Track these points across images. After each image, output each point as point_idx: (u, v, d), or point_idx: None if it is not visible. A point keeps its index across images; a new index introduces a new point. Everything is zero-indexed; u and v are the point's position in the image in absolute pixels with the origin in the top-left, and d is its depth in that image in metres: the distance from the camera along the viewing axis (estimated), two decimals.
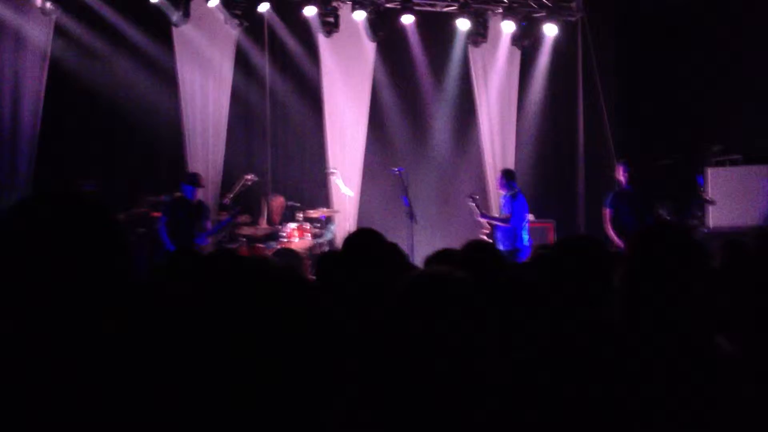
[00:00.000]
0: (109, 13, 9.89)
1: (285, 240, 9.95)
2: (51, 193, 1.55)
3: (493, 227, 9.37)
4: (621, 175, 8.80)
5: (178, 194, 8.90)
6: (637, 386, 2.04)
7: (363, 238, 3.45)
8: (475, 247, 3.91)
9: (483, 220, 9.47)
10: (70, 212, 1.50)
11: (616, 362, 2.38)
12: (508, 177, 9.52)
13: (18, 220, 1.49)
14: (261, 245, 9.86)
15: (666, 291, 2.55)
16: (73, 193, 1.56)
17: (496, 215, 9.71)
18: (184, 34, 10.42)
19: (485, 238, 9.12)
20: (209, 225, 8.89)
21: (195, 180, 8.90)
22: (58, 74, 9.70)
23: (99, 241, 1.50)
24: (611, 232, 8.65)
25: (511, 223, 9.22)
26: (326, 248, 10.23)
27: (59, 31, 9.78)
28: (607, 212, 8.77)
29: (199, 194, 8.89)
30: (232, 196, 9.72)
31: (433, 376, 1.72)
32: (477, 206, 9.44)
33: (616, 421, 2.19)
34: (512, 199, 9.33)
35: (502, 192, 9.53)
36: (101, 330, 1.47)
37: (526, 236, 9.31)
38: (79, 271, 1.47)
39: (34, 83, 9.64)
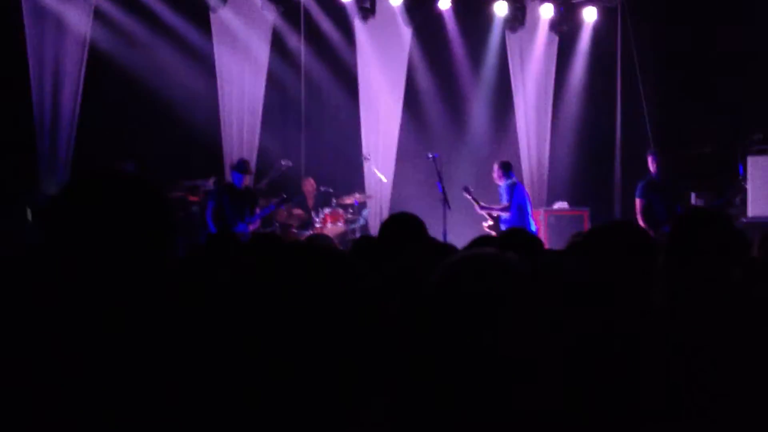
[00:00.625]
0: None
1: (318, 226, 9.98)
2: (100, 172, 1.57)
3: (497, 221, 9.30)
4: (651, 165, 8.71)
5: (220, 180, 9.06)
6: (675, 375, 2.03)
7: (402, 223, 3.45)
8: (515, 234, 3.88)
9: (483, 212, 9.41)
10: (118, 193, 1.52)
11: (655, 350, 2.37)
12: (505, 168, 9.48)
13: (67, 201, 1.51)
14: (295, 231, 9.91)
15: (704, 278, 2.53)
16: (121, 174, 1.58)
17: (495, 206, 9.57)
18: (222, 19, 10.48)
19: (488, 231, 9.08)
20: (257, 211, 9.01)
21: (244, 167, 9.03)
22: (96, 59, 9.81)
23: (143, 223, 1.52)
24: (642, 223, 8.56)
25: (513, 211, 9.18)
26: (358, 234, 10.25)
27: (98, 16, 9.88)
28: (638, 203, 8.68)
29: (247, 181, 9.09)
30: (267, 181, 9.79)
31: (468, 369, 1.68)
32: (474, 199, 9.39)
33: (652, 410, 2.18)
34: (511, 189, 9.30)
35: (500, 183, 9.46)
36: (144, 311, 1.49)
37: (533, 224, 9.29)
38: (122, 252, 1.49)
39: (73, 68, 9.74)
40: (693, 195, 8.89)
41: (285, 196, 9.30)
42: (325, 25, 11.04)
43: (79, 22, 9.74)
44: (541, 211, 10.83)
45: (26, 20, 9.42)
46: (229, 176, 9.47)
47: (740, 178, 8.95)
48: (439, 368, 1.61)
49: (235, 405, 1.41)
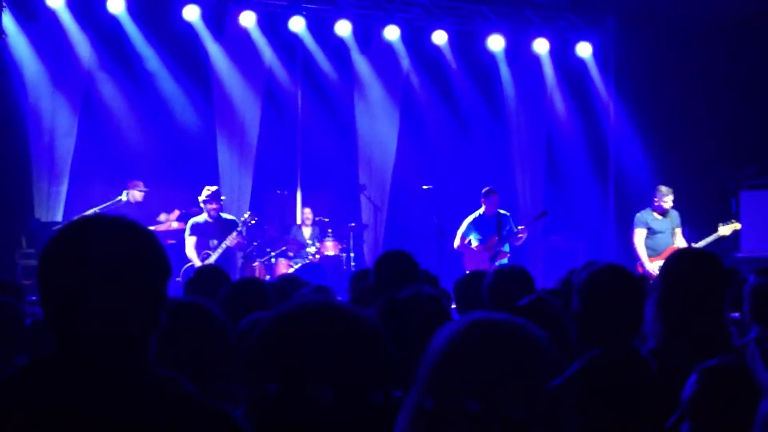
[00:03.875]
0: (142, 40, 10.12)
1: (313, 255, 9.99)
2: (88, 219, 1.58)
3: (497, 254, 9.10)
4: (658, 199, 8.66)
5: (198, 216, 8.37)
6: (663, 417, 2.04)
7: (395, 261, 3.46)
8: (505, 272, 3.86)
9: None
10: (114, 242, 1.53)
11: (644, 394, 2.38)
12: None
13: (63, 249, 1.52)
14: (288, 261, 9.89)
15: (692, 319, 2.55)
16: (110, 219, 1.59)
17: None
18: (217, 50, 10.55)
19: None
20: (240, 238, 8.28)
21: (213, 199, 8.18)
22: (96, 98, 10.04)
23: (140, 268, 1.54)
24: (639, 254, 8.57)
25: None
26: (354, 263, 10.27)
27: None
28: (634, 233, 8.65)
29: (215, 211, 8.18)
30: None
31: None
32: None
33: None
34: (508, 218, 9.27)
35: (492, 213, 9.15)
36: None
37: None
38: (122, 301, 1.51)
39: (73, 96, 9.88)
40: (686, 229, 8.88)
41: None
42: (321, 56, 11.10)
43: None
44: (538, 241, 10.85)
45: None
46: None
47: (733, 213, 8.97)
48: None
49: None
